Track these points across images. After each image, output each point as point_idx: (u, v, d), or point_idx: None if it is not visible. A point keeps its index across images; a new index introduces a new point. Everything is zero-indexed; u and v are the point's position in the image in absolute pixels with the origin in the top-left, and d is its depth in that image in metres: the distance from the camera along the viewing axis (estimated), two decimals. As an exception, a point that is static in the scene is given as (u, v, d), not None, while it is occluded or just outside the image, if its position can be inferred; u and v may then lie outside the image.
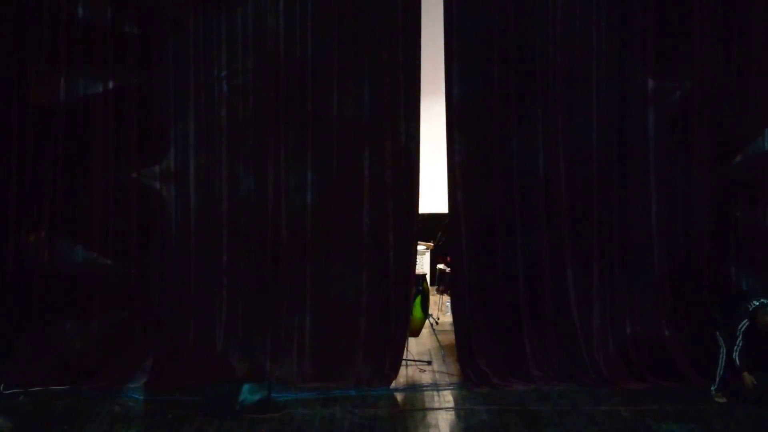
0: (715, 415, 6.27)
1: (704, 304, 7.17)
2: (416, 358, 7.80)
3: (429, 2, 7.45)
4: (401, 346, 7.30)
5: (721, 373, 6.57)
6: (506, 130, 7.32)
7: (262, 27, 7.35)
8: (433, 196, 8.60)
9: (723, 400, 6.55)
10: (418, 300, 7.90)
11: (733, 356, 6.40)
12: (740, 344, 6.37)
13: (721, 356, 6.58)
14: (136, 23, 7.33)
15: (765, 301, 6.40)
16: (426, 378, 7.37)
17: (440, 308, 9.84)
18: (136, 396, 6.73)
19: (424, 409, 6.55)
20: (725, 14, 7.30)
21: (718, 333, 6.61)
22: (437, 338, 8.48)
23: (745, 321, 6.38)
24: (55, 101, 7.29)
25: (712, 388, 6.62)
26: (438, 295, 10.05)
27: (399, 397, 6.91)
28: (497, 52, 7.30)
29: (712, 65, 7.28)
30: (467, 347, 7.26)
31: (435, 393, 6.95)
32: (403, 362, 7.37)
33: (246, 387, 6.33)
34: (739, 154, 7.35)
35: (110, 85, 7.31)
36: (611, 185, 7.35)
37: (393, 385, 7.10)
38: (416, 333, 8.13)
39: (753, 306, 6.40)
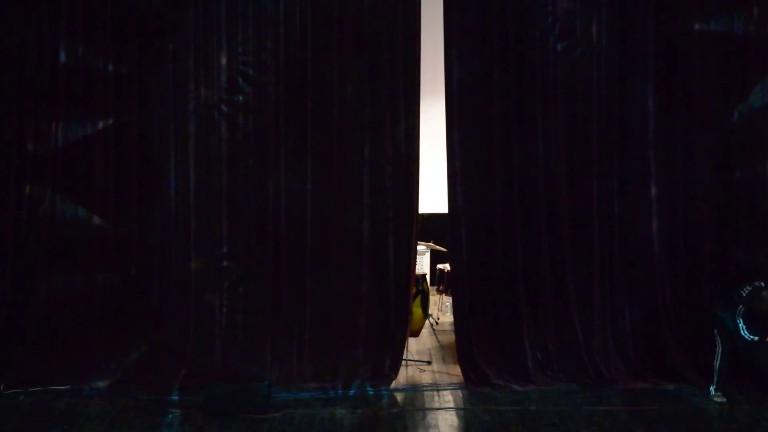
0: (715, 415, 6.28)
1: (705, 302, 7.17)
2: (416, 358, 7.81)
3: (429, 2, 7.46)
4: (401, 346, 7.30)
5: (718, 370, 6.59)
6: (506, 128, 7.31)
7: (262, 30, 7.33)
8: (433, 196, 8.59)
9: (723, 400, 6.56)
10: (418, 300, 7.91)
11: (746, 336, 6.38)
12: (743, 326, 6.39)
13: (717, 355, 6.61)
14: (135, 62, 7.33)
15: (758, 284, 6.43)
16: (426, 378, 7.37)
17: (440, 308, 9.84)
18: (136, 396, 6.74)
19: (424, 409, 6.55)
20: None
21: (715, 331, 6.63)
22: (437, 338, 8.48)
23: (740, 307, 6.40)
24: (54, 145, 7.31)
25: (712, 388, 6.63)
26: (438, 295, 10.05)
27: (399, 397, 6.91)
28: (497, 54, 7.30)
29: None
30: (467, 347, 7.26)
31: (435, 393, 6.95)
32: (403, 362, 7.37)
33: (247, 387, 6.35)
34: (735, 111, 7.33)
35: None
36: (611, 179, 7.34)
37: (393, 385, 7.10)
38: (416, 333, 8.14)
39: (746, 291, 6.43)
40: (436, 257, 10.30)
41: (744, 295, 6.43)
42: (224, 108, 7.34)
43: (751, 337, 6.40)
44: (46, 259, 7.27)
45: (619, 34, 7.33)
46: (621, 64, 7.34)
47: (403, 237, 7.29)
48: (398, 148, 7.29)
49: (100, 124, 7.31)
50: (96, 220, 7.32)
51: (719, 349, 6.60)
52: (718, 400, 6.56)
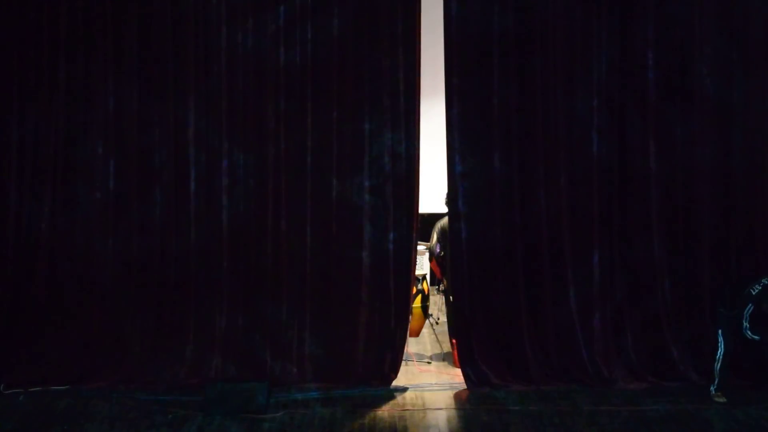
0: (715, 415, 6.28)
1: (705, 301, 7.19)
2: (416, 358, 7.81)
3: (428, 3, 7.45)
4: (401, 345, 7.30)
5: (719, 371, 6.59)
6: (507, 127, 7.30)
7: (262, 40, 7.33)
8: (433, 196, 8.59)
9: (723, 400, 6.55)
10: (418, 300, 7.90)
11: (749, 335, 6.38)
12: (747, 325, 6.38)
13: (718, 355, 6.59)
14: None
15: (767, 282, 6.40)
16: (426, 378, 7.37)
17: (440, 308, 9.84)
18: (136, 396, 6.74)
19: (424, 409, 6.56)
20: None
21: (720, 331, 6.61)
22: (437, 338, 8.48)
23: (749, 306, 6.38)
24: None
25: (712, 388, 6.63)
26: (438, 295, 10.05)
27: (399, 397, 6.91)
28: (497, 52, 7.29)
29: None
30: (467, 347, 7.25)
31: (435, 393, 6.95)
32: (403, 362, 7.37)
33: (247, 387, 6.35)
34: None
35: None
36: (612, 176, 7.34)
37: (393, 385, 7.10)
38: (416, 333, 8.14)
39: (756, 290, 6.40)
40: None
41: (753, 293, 6.40)
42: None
43: (753, 336, 6.40)
44: (46, 258, 7.28)
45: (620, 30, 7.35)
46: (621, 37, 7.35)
47: (403, 237, 7.29)
48: (398, 148, 7.28)
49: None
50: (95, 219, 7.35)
51: (721, 350, 6.58)
52: (718, 400, 6.56)
